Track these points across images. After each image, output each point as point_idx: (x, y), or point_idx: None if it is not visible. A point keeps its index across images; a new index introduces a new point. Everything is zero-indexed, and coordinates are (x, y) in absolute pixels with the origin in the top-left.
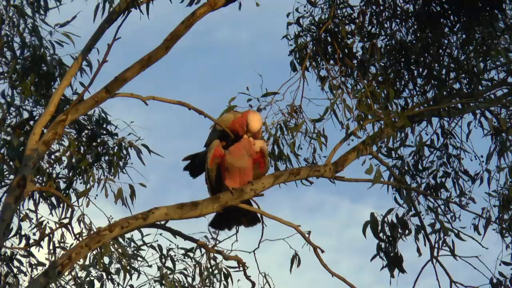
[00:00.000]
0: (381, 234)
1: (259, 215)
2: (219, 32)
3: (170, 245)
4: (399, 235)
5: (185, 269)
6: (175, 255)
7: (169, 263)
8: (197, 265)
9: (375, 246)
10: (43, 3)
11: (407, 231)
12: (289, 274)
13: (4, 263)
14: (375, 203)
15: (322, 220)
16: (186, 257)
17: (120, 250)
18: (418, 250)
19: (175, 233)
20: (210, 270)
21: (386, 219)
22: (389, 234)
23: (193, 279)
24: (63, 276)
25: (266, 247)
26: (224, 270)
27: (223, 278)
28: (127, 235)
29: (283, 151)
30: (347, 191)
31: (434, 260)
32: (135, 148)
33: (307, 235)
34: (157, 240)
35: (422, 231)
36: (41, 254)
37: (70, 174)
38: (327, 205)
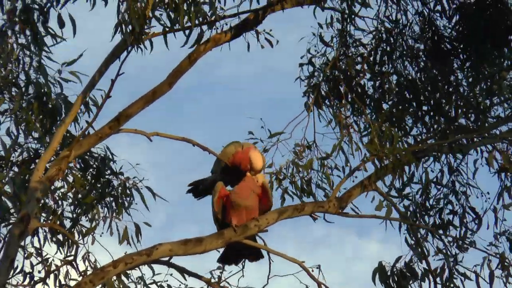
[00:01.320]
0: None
1: (263, 251)
2: (224, 67)
3: (180, 285)
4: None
5: None
6: None
7: None
8: None
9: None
10: (47, 39)
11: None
12: None
13: None
14: (381, 237)
15: (328, 254)
16: None
17: None
18: None
19: (179, 269)
20: None
21: (395, 268)
22: (397, 282)
23: None
24: None
25: (270, 283)
26: None
27: None
28: (138, 274)
29: (303, 187)
30: (353, 224)
31: None
32: (139, 192)
33: (311, 272)
34: (167, 280)
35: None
36: None
37: (76, 211)
38: (333, 239)
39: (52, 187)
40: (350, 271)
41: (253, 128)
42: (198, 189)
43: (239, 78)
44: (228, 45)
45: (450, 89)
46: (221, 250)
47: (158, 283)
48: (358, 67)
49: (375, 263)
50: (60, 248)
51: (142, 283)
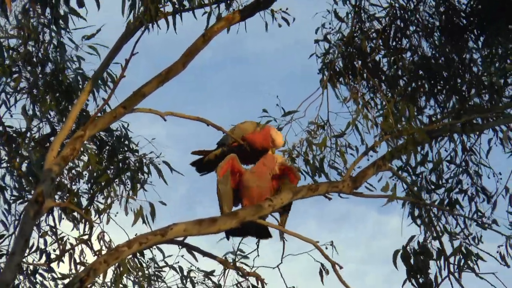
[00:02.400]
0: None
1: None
2: (246, 43)
3: (191, 266)
4: (424, 263)
5: None
6: (195, 277)
7: (189, 285)
8: None
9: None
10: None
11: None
12: None
13: (26, 278)
14: (401, 213)
15: (349, 231)
16: (206, 279)
17: (140, 273)
18: (438, 268)
19: (193, 249)
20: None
21: (408, 247)
22: (415, 260)
23: None
24: None
25: (285, 263)
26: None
27: None
28: (149, 255)
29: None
30: (373, 201)
31: (451, 276)
32: (156, 168)
33: (325, 252)
34: (178, 262)
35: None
36: (63, 270)
37: (91, 189)
38: (354, 216)
39: (67, 166)
40: (371, 248)
41: (270, 105)
42: (203, 161)
43: (261, 55)
44: (244, 24)
45: (464, 68)
46: None
47: (170, 265)
48: (373, 44)
49: (395, 240)
50: (76, 227)
51: (153, 264)
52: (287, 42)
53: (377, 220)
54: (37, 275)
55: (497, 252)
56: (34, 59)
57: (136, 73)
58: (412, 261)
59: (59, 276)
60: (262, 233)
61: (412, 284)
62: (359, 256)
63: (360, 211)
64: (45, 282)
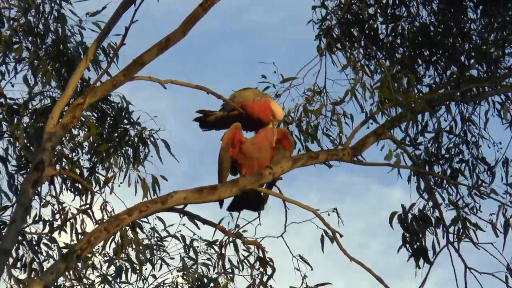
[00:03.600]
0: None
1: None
2: (246, 15)
3: (194, 235)
4: (421, 228)
5: (208, 259)
6: (198, 247)
7: (191, 255)
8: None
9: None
10: None
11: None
12: (314, 258)
13: (30, 249)
14: (404, 185)
15: (352, 203)
16: (209, 249)
17: (139, 243)
18: (436, 237)
19: (194, 217)
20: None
21: (409, 213)
22: (413, 226)
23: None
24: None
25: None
26: (242, 255)
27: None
28: (150, 225)
29: (308, 131)
30: (376, 172)
31: (450, 246)
32: (154, 146)
33: (326, 220)
34: (180, 231)
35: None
36: (65, 240)
37: (93, 160)
38: (356, 187)
39: (68, 136)
40: (374, 219)
41: (271, 74)
42: (206, 119)
43: (265, 25)
44: None
45: (463, 37)
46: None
47: (172, 235)
48: (371, 10)
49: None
50: (77, 196)
51: (155, 234)
52: (292, 12)
53: (380, 191)
54: (41, 245)
55: (489, 220)
56: (35, 30)
57: (139, 44)
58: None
59: (62, 246)
60: (255, 206)
61: (407, 249)
62: (362, 227)
63: (363, 182)
64: (50, 252)
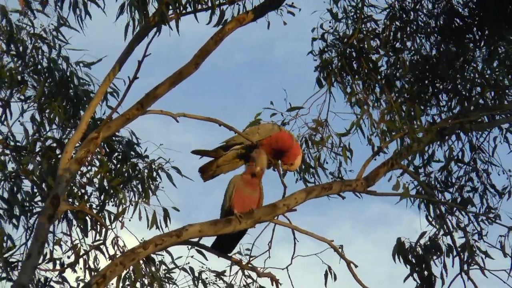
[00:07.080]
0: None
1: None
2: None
3: (202, 267)
4: (431, 257)
5: None
6: (206, 278)
7: (201, 286)
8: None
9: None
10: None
11: (439, 253)
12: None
13: None
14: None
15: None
16: (218, 279)
17: (152, 275)
18: (445, 266)
19: (209, 250)
20: None
21: (419, 243)
22: (422, 255)
23: None
24: None
25: (301, 262)
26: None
27: None
28: (158, 258)
29: (310, 165)
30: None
31: (464, 275)
32: (165, 172)
33: (340, 250)
34: (188, 263)
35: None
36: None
37: (102, 196)
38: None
39: (79, 172)
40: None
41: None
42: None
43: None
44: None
45: (466, 66)
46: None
47: (180, 267)
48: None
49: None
50: (86, 234)
51: (162, 267)
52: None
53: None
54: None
55: (498, 241)
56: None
57: (152, 78)
58: (410, 257)
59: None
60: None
61: (414, 279)
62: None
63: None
64: None
